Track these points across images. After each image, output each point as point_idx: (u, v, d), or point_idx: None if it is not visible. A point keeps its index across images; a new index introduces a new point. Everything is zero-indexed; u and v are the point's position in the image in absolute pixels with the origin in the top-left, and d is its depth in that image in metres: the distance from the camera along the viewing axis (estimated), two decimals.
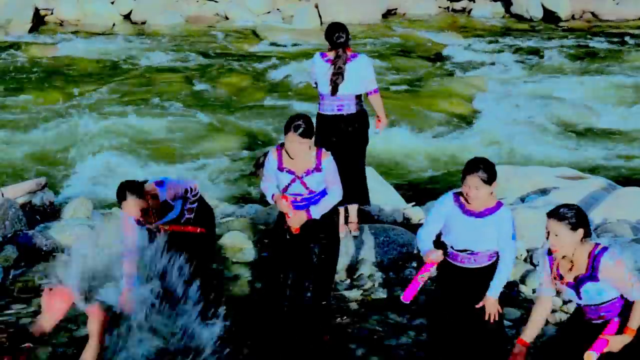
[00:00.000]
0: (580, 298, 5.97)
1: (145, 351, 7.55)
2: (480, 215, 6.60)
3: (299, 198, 7.63)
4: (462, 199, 6.63)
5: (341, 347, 7.71)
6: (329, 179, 7.58)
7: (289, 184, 7.60)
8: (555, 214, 5.82)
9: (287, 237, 7.74)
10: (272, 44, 22.78)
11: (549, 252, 6.04)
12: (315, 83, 9.55)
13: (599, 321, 6.00)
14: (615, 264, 5.82)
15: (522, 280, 8.91)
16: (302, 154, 7.47)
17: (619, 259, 5.92)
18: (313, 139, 7.47)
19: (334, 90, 9.35)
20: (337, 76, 9.31)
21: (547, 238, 5.87)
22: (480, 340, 6.94)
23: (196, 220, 8.21)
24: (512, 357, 6.28)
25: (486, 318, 6.77)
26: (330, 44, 9.28)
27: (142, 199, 7.64)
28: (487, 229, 6.63)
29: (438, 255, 6.81)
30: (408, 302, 6.98)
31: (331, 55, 9.28)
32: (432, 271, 6.98)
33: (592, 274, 5.83)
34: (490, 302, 6.75)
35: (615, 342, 5.86)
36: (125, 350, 7.31)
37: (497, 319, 6.86)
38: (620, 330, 5.88)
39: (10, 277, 8.97)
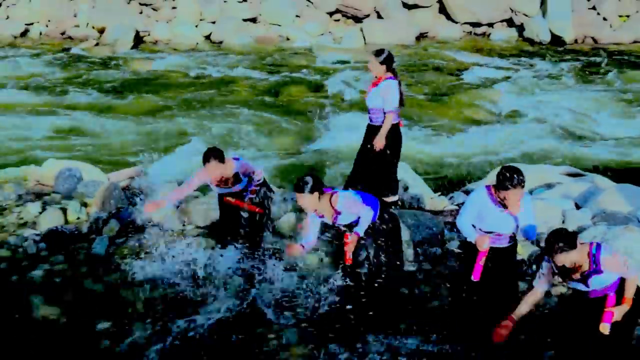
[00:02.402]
0: (587, 287, 5.98)
1: None
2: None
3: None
4: (494, 192, 6.60)
5: (382, 308, 7.67)
6: (353, 211, 7.41)
7: (333, 224, 7.55)
8: (554, 250, 5.78)
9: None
10: (325, 60, 22.73)
11: (549, 259, 6.04)
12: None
13: (601, 295, 5.99)
14: (612, 255, 5.88)
15: (529, 259, 8.82)
16: (313, 207, 7.36)
17: (612, 251, 5.97)
18: (316, 193, 7.23)
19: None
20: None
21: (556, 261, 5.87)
22: (499, 298, 6.92)
23: (257, 201, 8.27)
24: (499, 328, 6.31)
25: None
26: (388, 67, 9.32)
27: (222, 163, 7.78)
28: (512, 217, 6.67)
29: (489, 242, 6.82)
30: (477, 280, 6.92)
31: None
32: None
33: (596, 268, 5.86)
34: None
35: (619, 312, 5.93)
36: None
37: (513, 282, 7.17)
38: (619, 302, 5.93)
39: (114, 245, 9.10)
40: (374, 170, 9.82)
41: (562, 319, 6.52)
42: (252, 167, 8.31)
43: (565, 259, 5.75)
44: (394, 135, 9.68)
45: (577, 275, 5.95)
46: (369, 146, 9.73)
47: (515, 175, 6.42)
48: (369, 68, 9.42)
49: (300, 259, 8.71)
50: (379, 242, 7.64)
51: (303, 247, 7.62)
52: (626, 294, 5.93)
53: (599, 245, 5.92)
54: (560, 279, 6.23)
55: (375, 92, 9.50)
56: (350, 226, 7.49)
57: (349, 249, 7.45)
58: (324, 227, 8.32)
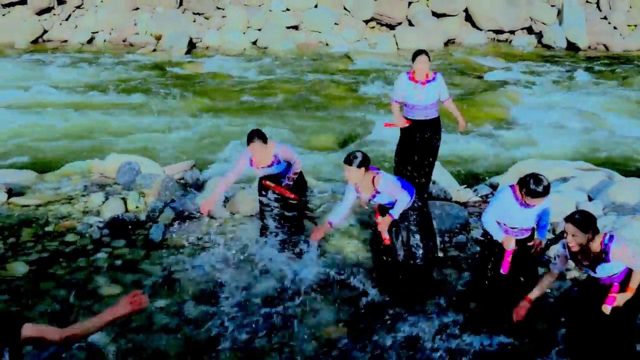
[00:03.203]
0: (595, 272, 5.96)
1: None
2: (531, 206, 6.63)
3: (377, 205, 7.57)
4: (518, 192, 6.59)
5: (411, 290, 7.70)
6: (391, 194, 7.35)
7: (369, 200, 7.51)
8: (571, 219, 5.81)
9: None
10: (361, 64, 22.67)
11: (564, 245, 6.05)
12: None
13: (607, 283, 6.00)
14: (622, 247, 5.84)
15: (546, 247, 8.76)
16: (356, 181, 7.31)
17: (623, 243, 5.91)
18: (362, 169, 7.19)
19: None
20: None
21: (565, 237, 5.87)
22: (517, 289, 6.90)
23: (293, 188, 8.26)
24: (517, 309, 6.36)
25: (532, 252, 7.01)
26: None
27: (265, 143, 7.77)
28: (532, 214, 6.71)
29: (514, 243, 6.83)
30: (506, 273, 6.93)
31: None
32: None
33: (605, 257, 5.83)
34: (539, 242, 7.00)
35: (621, 298, 5.94)
36: None
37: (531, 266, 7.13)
38: (622, 290, 5.94)
39: (169, 231, 9.19)
40: (430, 163, 9.76)
41: (575, 300, 6.49)
42: (293, 155, 8.24)
43: (576, 239, 5.77)
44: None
45: (587, 262, 5.94)
46: (419, 139, 9.61)
47: (541, 183, 6.43)
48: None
49: (336, 245, 8.75)
50: (412, 226, 7.62)
51: (330, 224, 7.57)
52: (631, 284, 5.90)
53: (612, 237, 5.88)
54: (573, 264, 6.21)
55: (431, 86, 9.38)
56: (384, 207, 7.45)
57: (383, 229, 7.42)
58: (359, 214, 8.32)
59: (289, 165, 8.21)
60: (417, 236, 7.62)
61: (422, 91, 9.29)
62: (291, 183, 8.23)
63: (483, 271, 7.31)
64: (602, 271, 5.91)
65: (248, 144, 7.87)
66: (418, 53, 9.25)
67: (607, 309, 5.93)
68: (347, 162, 7.16)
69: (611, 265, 5.87)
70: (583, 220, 5.78)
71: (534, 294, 6.35)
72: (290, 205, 8.35)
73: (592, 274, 6.02)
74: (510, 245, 6.81)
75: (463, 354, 6.83)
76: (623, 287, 5.95)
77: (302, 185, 8.47)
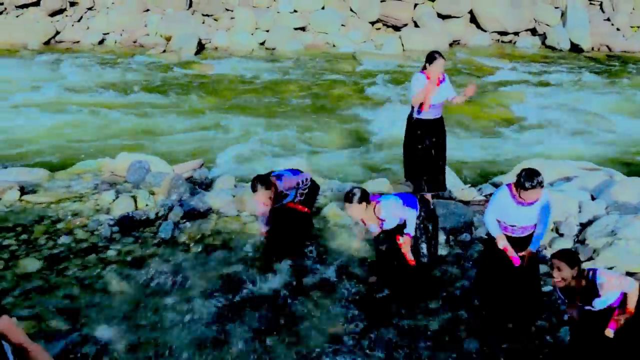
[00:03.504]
0: (594, 307, 5.95)
1: None
2: (528, 204, 6.59)
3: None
4: (514, 191, 6.56)
5: (416, 287, 7.72)
6: (396, 215, 7.30)
7: (380, 230, 7.46)
8: (556, 255, 5.86)
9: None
10: (367, 65, 22.64)
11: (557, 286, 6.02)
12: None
13: (606, 308, 5.98)
14: (607, 279, 5.82)
15: (550, 244, 8.75)
16: (361, 216, 7.26)
17: (607, 274, 5.91)
18: (363, 203, 7.11)
19: None
20: None
21: (552, 274, 5.86)
22: (520, 288, 6.89)
23: (304, 202, 8.25)
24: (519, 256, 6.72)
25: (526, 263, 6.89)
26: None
27: (268, 189, 7.74)
28: (531, 212, 6.65)
29: (506, 242, 6.82)
30: (518, 265, 6.88)
31: None
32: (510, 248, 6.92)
33: (595, 293, 5.83)
34: (529, 252, 6.88)
35: (622, 320, 5.90)
36: None
37: (533, 265, 7.03)
38: (623, 311, 5.92)
39: (178, 229, 9.20)
40: (443, 157, 9.78)
41: (578, 326, 6.39)
42: (296, 178, 8.19)
43: (562, 274, 5.77)
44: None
45: (580, 302, 5.95)
46: (434, 139, 9.59)
47: (534, 177, 6.37)
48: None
49: (341, 244, 8.75)
50: (428, 234, 7.61)
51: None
52: (628, 305, 5.89)
53: (594, 271, 5.88)
54: (568, 307, 6.18)
55: (443, 87, 9.32)
56: (399, 228, 7.39)
57: (406, 251, 7.36)
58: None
59: (297, 189, 8.20)
60: (423, 236, 7.61)
61: (437, 91, 9.30)
62: (302, 198, 8.24)
63: (486, 269, 7.30)
64: (598, 304, 5.91)
65: (253, 192, 7.84)
66: (437, 56, 9.16)
67: (610, 332, 5.92)
68: (347, 200, 7.10)
69: (606, 297, 5.87)
70: (569, 255, 5.85)
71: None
72: (300, 215, 8.35)
73: (593, 309, 5.99)
74: (501, 244, 6.80)
75: (467, 351, 6.83)
76: (622, 308, 5.93)
77: (313, 194, 8.45)
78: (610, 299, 5.88)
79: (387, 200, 7.32)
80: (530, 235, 6.85)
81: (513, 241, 6.84)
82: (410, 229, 7.31)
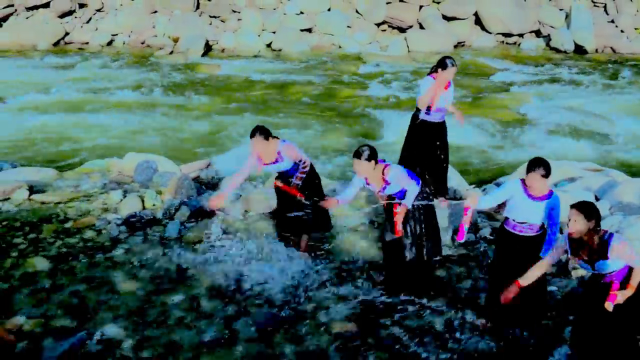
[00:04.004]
0: (594, 269, 5.96)
1: None
2: (538, 199, 6.59)
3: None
4: (526, 185, 6.56)
5: (421, 286, 7.70)
6: (401, 184, 7.30)
7: (379, 192, 7.44)
8: (575, 205, 5.83)
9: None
10: (372, 66, 22.63)
11: (567, 236, 6.02)
12: None
13: (607, 281, 5.99)
14: (621, 244, 5.83)
15: None
16: (366, 174, 7.27)
17: (623, 240, 5.90)
18: (372, 162, 7.14)
19: None
20: None
21: (568, 224, 5.85)
22: (526, 287, 6.87)
23: (302, 187, 8.22)
24: (506, 293, 6.47)
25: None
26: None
27: (266, 140, 7.74)
28: (541, 209, 6.62)
29: (473, 200, 6.83)
30: (462, 240, 7.00)
31: None
32: (470, 215, 6.87)
33: (604, 253, 5.81)
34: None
35: (622, 295, 5.92)
36: None
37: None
38: (623, 287, 5.94)
39: (185, 228, 9.21)
40: (447, 159, 9.79)
41: (579, 299, 6.45)
42: (299, 154, 8.18)
43: (577, 225, 5.76)
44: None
45: (585, 256, 5.91)
46: (439, 143, 9.63)
47: (539, 165, 6.43)
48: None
49: (346, 243, 8.73)
50: (418, 215, 7.58)
51: (338, 201, 7.57)
52: (631, 281, 5.89)
53: (611, 234, 5.88)
54: (571, 257, 6.14)
55: (450, 91, 9.33)
56: (393, 198, 7.39)
57: (399, 220, 7.36)
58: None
59: (297, 165, 8.16)
60: (419, 225, 7.60)
61: (444, 95, 9.30)
62: (299, 183, 8.19)
63: (491, 270, 7.29)
64: (600, 267, 5.88)
65: (250, 139, 7.89)
66: (450, 64, 9.12)
67: (609, 306, 5.93)
68: (356, 156, 7.13)
69: (610, 262, 5.85)
70: (587, 207, 5.81)
71: (524, 280, 6.39)
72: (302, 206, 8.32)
73: (590, 271, 6.01)
74: (467, 202, 6.82)
75: (471, 350, 6.81)
76: (623, 285, 5.94)
77: (315, 186, 8.39)
78: (613, 266, 5.88)
79: (396, 166, 7.40)
80: (537, 236, 6.80)
81: (522, 241, 6.80)
82: (409, 201, 7.32)
